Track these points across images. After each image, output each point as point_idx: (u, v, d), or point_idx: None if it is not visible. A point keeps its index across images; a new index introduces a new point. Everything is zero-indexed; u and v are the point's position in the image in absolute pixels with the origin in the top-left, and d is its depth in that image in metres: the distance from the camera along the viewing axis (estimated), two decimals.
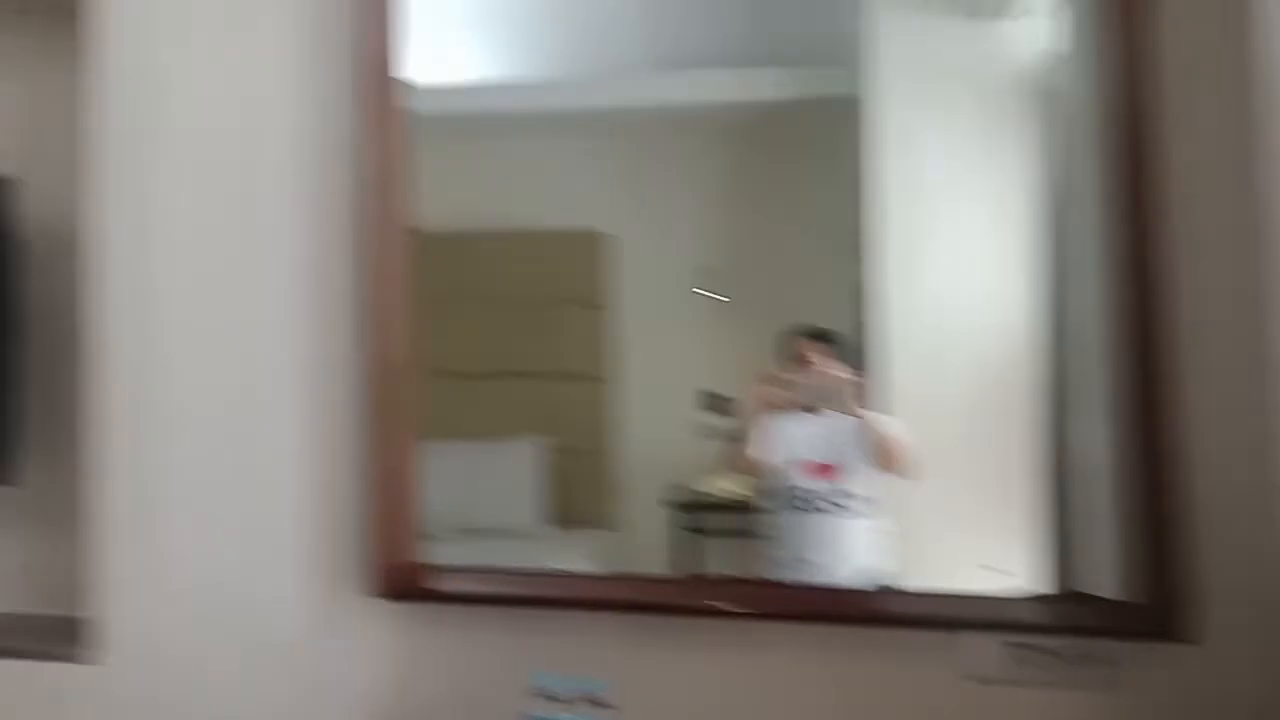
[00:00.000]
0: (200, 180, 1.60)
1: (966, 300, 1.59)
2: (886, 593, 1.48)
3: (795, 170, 1.77)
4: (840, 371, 1.58)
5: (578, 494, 1.83)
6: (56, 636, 1.62)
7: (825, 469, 1.59)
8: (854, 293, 1.61)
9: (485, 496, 1.86)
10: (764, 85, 1.78)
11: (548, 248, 1.87)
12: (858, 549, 1.57)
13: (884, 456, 1.54)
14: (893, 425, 1.54)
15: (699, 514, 1.71)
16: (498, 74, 1.92)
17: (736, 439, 1.65)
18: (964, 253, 1.61)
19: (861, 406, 1.56)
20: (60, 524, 1.72)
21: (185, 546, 1.55)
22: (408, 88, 1.58)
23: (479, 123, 1.89)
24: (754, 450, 1.62)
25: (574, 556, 1.73)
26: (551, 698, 1.36)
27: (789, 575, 1.59)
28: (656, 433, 1.78)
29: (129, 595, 1.53)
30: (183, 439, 1.57)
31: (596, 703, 1.34)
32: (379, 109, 1.56)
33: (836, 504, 1.58)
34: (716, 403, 1.71)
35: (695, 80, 1.81)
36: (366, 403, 1.56)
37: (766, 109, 1.78)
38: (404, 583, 1.55)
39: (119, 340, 1.56)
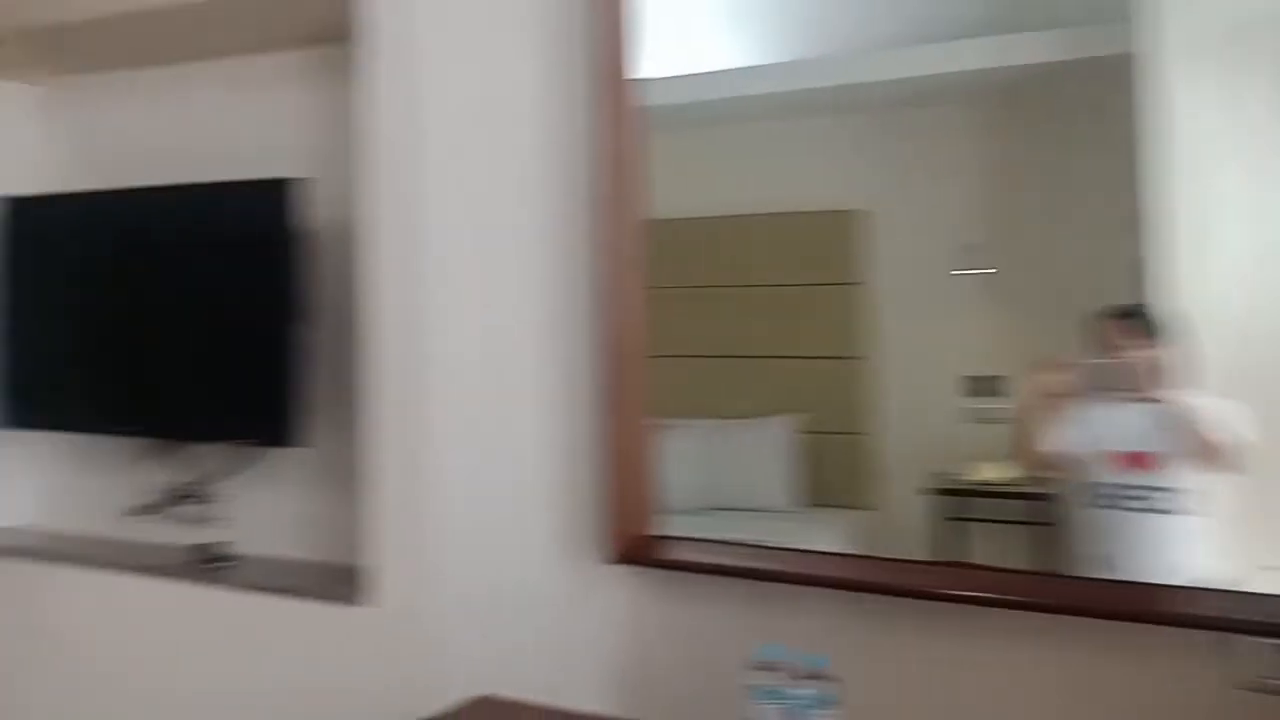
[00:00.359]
0: (456, 179, 1.73)
1: (1266, 274, 1.41)
2: (1152, 589, 1.34)
3: (1063, 138, 1.64)
4: (1152, 354, 1.41)
5: (832, 474, 1.79)
6: (337, 581, 1.80)
7: (1138, 460, 1.42)
8: (1134, 268, 1.47)
9: (739, 474, 1.87)
10: (1026, 49, 1.66)
11: (801, 229, 1.85)
12: (1172, 547, 1.40)
13: (1203, 447, 1.36)
14: (1218, 412, 1.35)
15: (962, 500, 1.61)
16: (744, 59, 1.92)
17: (1016, 428, 1.54)
18: (1264, 220, 1.42)
19: (1178, 391, 1.38)
20: (344, 483, 1.92)
21: (447, 508, 1.68)
22: (643, 86, 1.64)
23: (727, 108, 1.90)
24: (1043, 442, 1.49)
25: (826, 536, 1.69)
26: (774, 670, 1.34)
27: (1090, 573, 1.43)
28: (917, 415, 1.71)
29: (398, 548, 1.68)
30: (444, 413, 1.69)
31: (820, 678, 1.32)
32: (614, 109, 1.63)
33: (1150, 498, 1.41)
34: (983, 385, 1.62)
35: (950, 50, 1.72)
36: (603, 384, 1.62)
37: (1029, 74, 1.67)
38: (638, 551, 1.60)
39: (389, 323, 1.71)
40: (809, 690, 1.32)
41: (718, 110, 1.90)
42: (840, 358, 1.78)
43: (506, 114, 1.73)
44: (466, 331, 1.71)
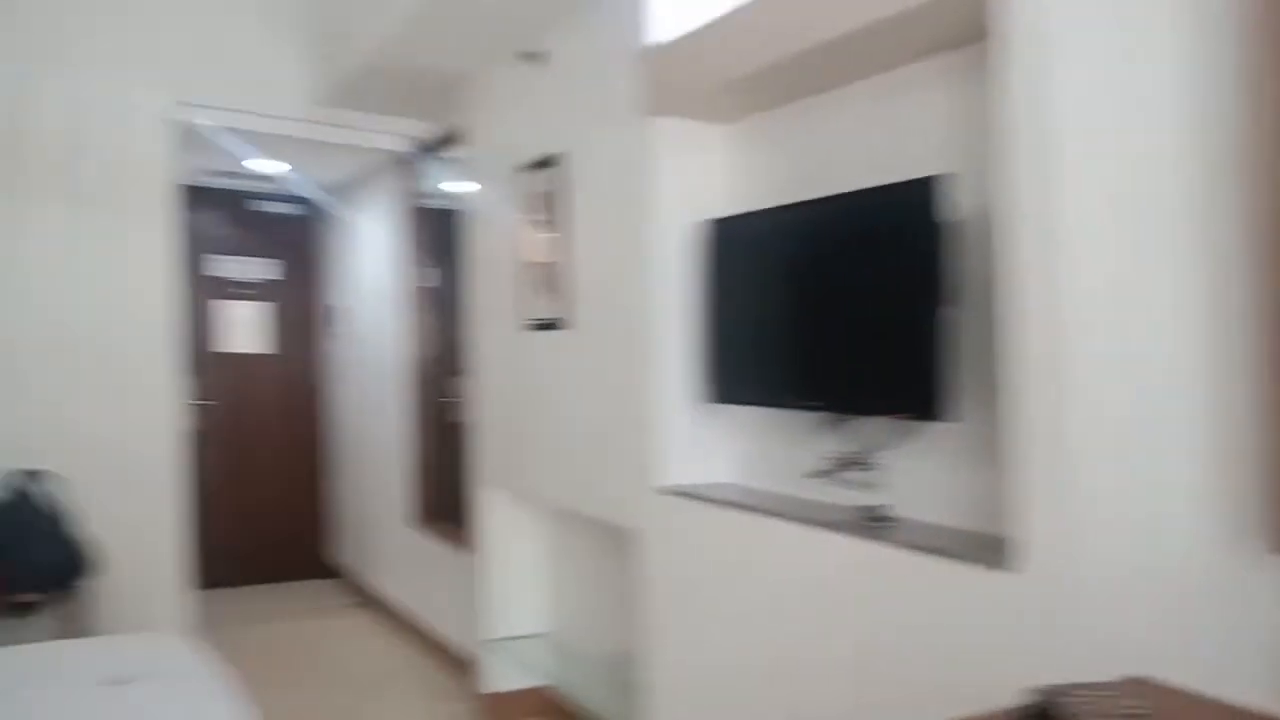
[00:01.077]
0: (1091, 162, 1.72)
1: None
2: None
3: None
4: None
5: None
6: (982, 547, 1.92)
7: None
8: None
9: None
10: None
11: None
12: None
13: None
14: None
15: None
16: None
17: None
18: None
19: None
20: (990, 456, 2.03)
21: (1093, 484, 1.69)
22: None
23: None
24: None
25: None
26: None
27: None
28: None
29: (1043, 519, 1.74)
30: (1086, 390, 1.70)
31: None
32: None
33: None
34: None
35: None
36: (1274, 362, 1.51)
37: None
38: None
39: (1028, 305, 1.77)
40: None
41: None
42: None
43: (1143, 91, 1.68)
44: (1105, 312, 1.71)
